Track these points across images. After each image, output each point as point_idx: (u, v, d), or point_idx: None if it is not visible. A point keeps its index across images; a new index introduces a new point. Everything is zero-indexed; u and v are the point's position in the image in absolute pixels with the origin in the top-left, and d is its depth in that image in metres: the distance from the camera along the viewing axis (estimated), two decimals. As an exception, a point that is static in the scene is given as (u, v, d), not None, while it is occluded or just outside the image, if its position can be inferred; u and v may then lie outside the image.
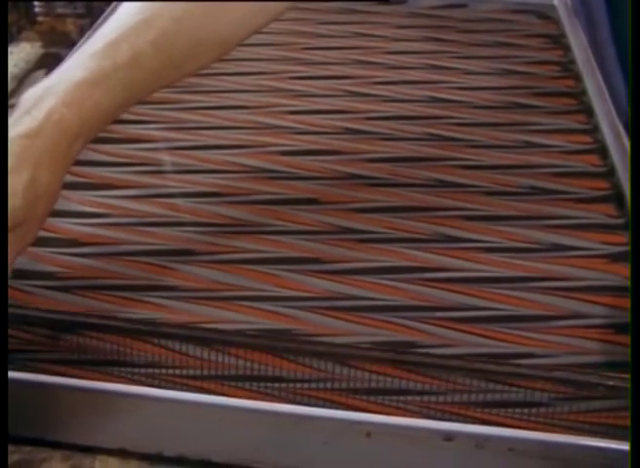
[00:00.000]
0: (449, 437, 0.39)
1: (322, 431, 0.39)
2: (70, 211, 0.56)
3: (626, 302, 0.48)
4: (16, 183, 0.40)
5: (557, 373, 0.43)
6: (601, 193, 0.59)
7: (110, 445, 0.41)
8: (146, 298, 0.49)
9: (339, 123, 0.66)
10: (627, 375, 0.40)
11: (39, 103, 0.42)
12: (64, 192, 0.53)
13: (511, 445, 0.39)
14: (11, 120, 0.42)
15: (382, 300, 0.49)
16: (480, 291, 0.50)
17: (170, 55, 0.47)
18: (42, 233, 0.52)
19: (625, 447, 0.38)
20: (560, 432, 0.41)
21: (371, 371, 0.44)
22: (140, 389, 0.42)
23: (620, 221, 0.56)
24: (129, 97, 0.45)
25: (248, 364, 0.43)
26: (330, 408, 0.42)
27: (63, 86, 0.43)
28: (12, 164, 0.40)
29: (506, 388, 0.42)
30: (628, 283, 0.45)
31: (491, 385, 0.42)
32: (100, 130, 0.44)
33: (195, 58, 0.49)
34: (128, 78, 0.44)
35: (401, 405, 0.42)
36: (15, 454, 0.41)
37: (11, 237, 0.40)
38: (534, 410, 0.42)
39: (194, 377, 0.44)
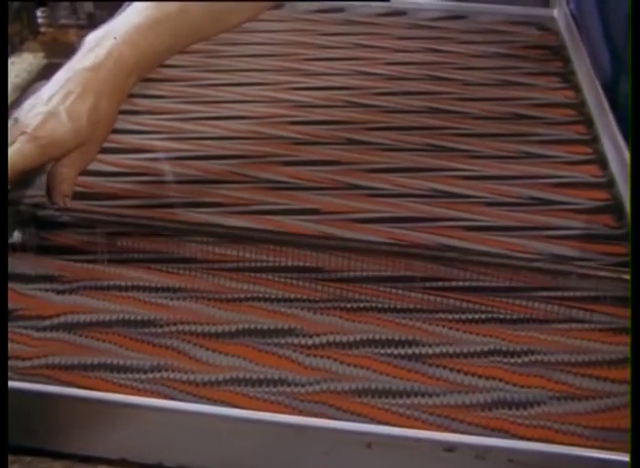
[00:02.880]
0: (449, 448, 0.39)
1: (323, 441, 0.39)
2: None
3: (624, 309, 0.49)
4: (81, 108, 0.49)
5: (537, 263, 0.50)
6: (601, 204, 0.59)
7: (111, 455, 0.41)
8: (154, 300, 0.49)
9: (339, 133, 0.67)
10: (600, 267, 0.50)
11: (101, 43, 0.51)
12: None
13: (511, 456, 0.39)
14: (76, 57, 0.51)
15: (382, 302, 0.49)
16: (479, 296, 0.50)
17: (212, 9, 0.55)
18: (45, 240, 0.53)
19: (625, 458, 0.38)
20: (558, 436, 0.41)
21: (374, 370, 0.45)
22: (140, 399, 0.42)
23: (619, 232, 0.56)
24: (176, 43, 0.54)
25: (277, 258, 0.51)
26: (332, 408, 0.42)
27: (123, 28, 0.52)
28: (77, 92, 0.49)
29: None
30: (628, 292, 0.46)
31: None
32: (151, 69, 0.54)
33: (233, 14, 0.57)
34: (176, 26, 0.53)
35: (400, 409, 0.43)
36: (15, 464, 0.41)
37: (75, 154, 0.49)
38: (532, 412, 0.42)
39: (229, 270, 0.51)
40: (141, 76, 0.53)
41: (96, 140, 0.50)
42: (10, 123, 0.49)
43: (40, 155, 0.48)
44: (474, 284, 0.50)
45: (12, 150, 0.48)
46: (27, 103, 0.50)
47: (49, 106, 0.49)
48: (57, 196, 0.50)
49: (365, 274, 0.51)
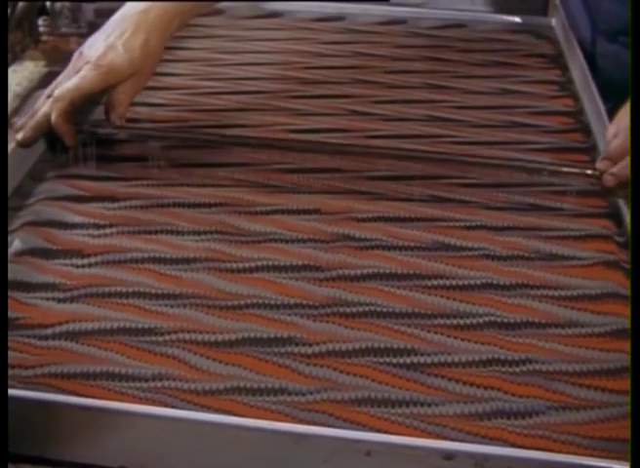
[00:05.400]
0: (448, 456, 0.39)
1: (322, 449, 0.40)
2: (75, 223, 0.56)
3: (623, 309, 0.49)
4: (134, 42, 0.60)
5: (517, 163, 0.61)
6: (598, 211, 0.60)
7: (110, 462, 0.41)
8: (155, 307, 0.49)
9: (339, 141, 0.67)
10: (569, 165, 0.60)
11: None
12: (66, 204, 0.56)
13: (510, 464, 0.39)
14: (127, 5, 0.63)
15: (381, 306, 0.50)
16: (478, 297, 0.50)
17: None
18: (44, 245, 0.53)
19: (625, 466, 0.38)
20: (556, 446, 0.41)
21: (373, 379, 0.45)
22: (141, 407, 0.42)
23: (619, 240, 0.56)
24: None
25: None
26: (331, 417, 0.42)
27: None
28: (131, 30, 0.61)
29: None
30: (628, 290, 0.46)
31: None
32: (189, 17, 0.67)
33: None
34: None
35: (399, 419, 0.43)
36: (15, 472, 0.41)
37: (129, 83, 0.60)
38: (531, 422, 0.43)
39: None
40: (183, 22, 0.65)
41: (146, 71, 0.61)
42: (75, 55, 0.61)
43: (101, 81, 0.59)
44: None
45: (78, 76, 0.59)
46: (89, 41, 0.62)
47: (108, 41, 0.60)
48: (114, 117, 0.61)
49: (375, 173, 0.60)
